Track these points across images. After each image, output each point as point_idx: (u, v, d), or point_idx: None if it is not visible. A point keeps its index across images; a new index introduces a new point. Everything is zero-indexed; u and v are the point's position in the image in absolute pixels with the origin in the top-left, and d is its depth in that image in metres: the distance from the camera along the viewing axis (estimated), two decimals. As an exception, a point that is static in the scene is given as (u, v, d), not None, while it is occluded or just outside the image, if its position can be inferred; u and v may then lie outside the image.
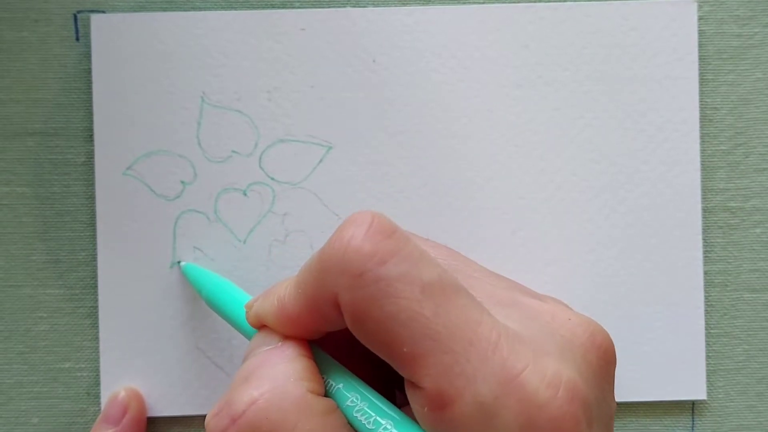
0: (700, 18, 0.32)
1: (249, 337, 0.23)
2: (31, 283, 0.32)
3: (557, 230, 0.32)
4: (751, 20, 0.33)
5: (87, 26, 0.32)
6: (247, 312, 0.23)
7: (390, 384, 0.23)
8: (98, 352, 0.32)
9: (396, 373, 0.20)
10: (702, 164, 0.32)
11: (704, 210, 0.33)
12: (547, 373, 0.18)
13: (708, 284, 0.33)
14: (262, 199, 0.32)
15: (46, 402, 0.32)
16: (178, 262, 0.31)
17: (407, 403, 0.20)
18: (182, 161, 0.32)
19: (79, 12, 0.32)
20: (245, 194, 0.32)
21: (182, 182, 0.32)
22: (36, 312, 0.32)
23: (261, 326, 0.22)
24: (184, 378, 0.32)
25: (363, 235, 0.19)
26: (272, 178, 0.32)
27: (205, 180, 0.32)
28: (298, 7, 0.32)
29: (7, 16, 0.32)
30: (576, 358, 0.20)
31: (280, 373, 0.20)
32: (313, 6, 0.32)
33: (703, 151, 0.33)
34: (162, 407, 0.32)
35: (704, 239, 0.32)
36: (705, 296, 0.32)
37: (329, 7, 0.32)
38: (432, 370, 0.18)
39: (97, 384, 0.32)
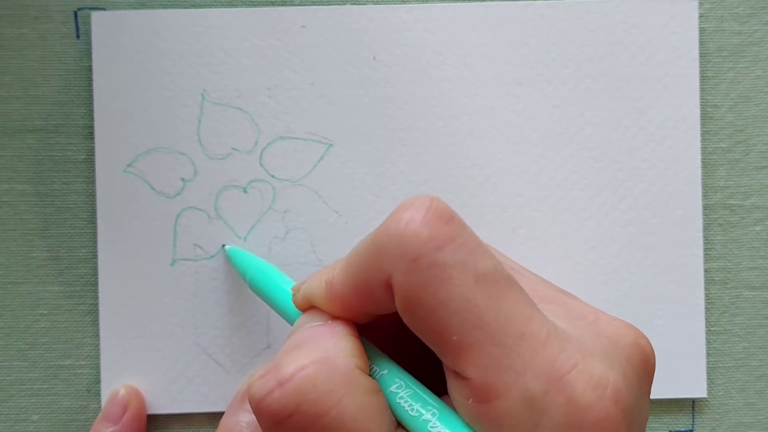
0: (700, 15, 0.32)
1: (293, 321, 0.23)
2: (32, 280, 0.32)
3: (557, 228, 0.32)
4: (751, 18, 0.33)
5: (87, 23, 0.32)
6: (294, 294, 0.23)
7: (427, 380, 0.23)
8: (98, 349, 0.32)
9: (435, 369, 0.20)
10: (702, 162, 0.32)
11: (704, 207, 0.33)
12: (594, 375, 0.18)
13: (708, 282, 0.33)
14: (263, 197, 0.32)
15: (46, 399, 0.32)
16: (223, 246, 0.31)
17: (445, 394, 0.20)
18: (183, 158, 0.32)
19: (79, 9, 0.32)
20: (245, 191, 0.32)
21: (183, 179, 0.32)
22: (36, 309, 0.32)
23: (308, 308, 0.22)
24: (184, 375, 0.32)
25: (421, 219, 0.19)
26: (272, 176, 0.32)
27: (205, 177, 0.32)
28: (299, 5, 0.32)
29: (8, 13, 0.32)
30: (621, 362, 0.19)
31: (330, 345, 0.20)
32: (314, 3, 0.32)
33: (703, 148, 0.33)
34: (162, 404, 0.32)
35: (704, 237, 0.32)
36: (705, 294, 0.32)
37: (329, 5, 0.32)
38: (480, 362, 0.18)
39: (98, 381, 0.32)
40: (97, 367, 0.32)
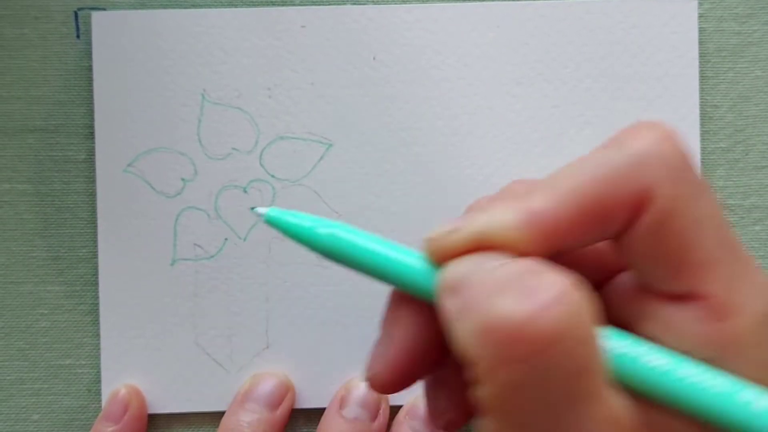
0: (700, 15, 0.32)
1: (421, 287, 0.19)
2: (32, 280, 0.32)
3: (557, 227, 0.32)
4: (751, 18, 0.33)
5: (88, 23, 0.32)
6: (441, 239, 0.19)
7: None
8: (99, 348, 0.32)
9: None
10: (702, 161, 0.32)
11: (704, 207, 0.33)
12: None
13: (707, 281, 0.33)
14: (263, 197, 0.32)
15: (46, 399, 0.32)
16: (252, 208, 0.25)
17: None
18: (183, 158, 0.32)
19: (79, 9, 0.32)
20: (245, 191, 0.32)
21: (183, 179, 0.32)
22: (37, 309, 0.32)
23: (464, 253, 0.18)
24: (184, 375, 0.32)
25: (672, 136, 0.19)
26: (272, 176, 0.32)
27: (205, 177, 0.32)
28: (299, 5, 0.32)
29: (8, 14, 0.32)
30: None
31: (570, 286, 0.16)
32: (314, 3, 0.32)
33: (702, 148, 0.33)
34: (162, 404, 0.32)
35: (704, 237, 0.32)
36: (704, 293, 0.32)
37: (329, 5, 0.32)
38: (722, 279, 0.18)
39: (98, 381, 0.32)
40: (97, 367, 0.32)
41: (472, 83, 0.32)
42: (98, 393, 0.32)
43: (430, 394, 0.21)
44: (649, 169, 0.18)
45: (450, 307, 0.17)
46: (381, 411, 0.31)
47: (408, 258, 0.19)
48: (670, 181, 0.18)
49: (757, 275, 0.18)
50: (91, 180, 0.32)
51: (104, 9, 0.32)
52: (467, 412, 0.20)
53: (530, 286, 0.16)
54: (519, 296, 0.16)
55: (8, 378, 0.32)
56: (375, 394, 0.31)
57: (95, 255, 0.32)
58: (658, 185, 0.18)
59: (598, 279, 0.21)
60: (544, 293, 0.16)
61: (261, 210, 0.21)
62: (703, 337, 0.18)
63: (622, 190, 0.18)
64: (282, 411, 0.31)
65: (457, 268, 0.18)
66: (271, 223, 0.21)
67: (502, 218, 0.18)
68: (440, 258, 0.19)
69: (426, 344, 0.20)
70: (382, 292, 0.32)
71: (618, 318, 0.20)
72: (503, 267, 0.17)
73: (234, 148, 0.32)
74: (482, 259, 0.18)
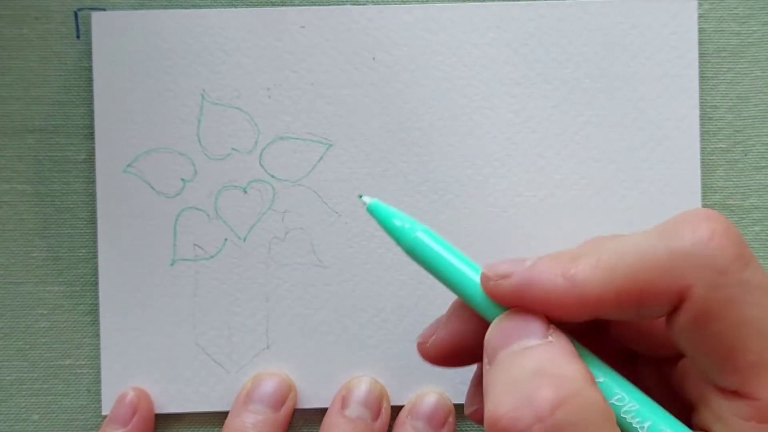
0: (699, 16, 0.32)
1: (478, 306, 0.22)
2: (32, 280, 0.32)
3: (557, 228, 0.32)
4: (751, 18, 0.33)
5: (87, 24, 0.32)
6: (492, 281, 0.21)
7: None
8: (98, 349, 0.32)
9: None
10: (701, 162, 0.32)
11: (703, 207, 0.33)
12: None
13: (707, 282, 0.33)
14: (262, 197, 0.32)
15: (46, 399, 0.32)
16: (360, 196, 0.26)
17: None
18: (183, 159, 0.32)
19: (79, 9, 0.32)
20: (245, 192, 0.32)
21: (182, 180, 0.32)
22: (36, 309, 0.32)
23: (508, 300, 0.21)
24: (184, 375, 0.32)
25: (726, 233, 0.18)
26: (272, 176, 0.32)
27: (205, 177, 0.32)
28: (299, 5, 0.32)
29: (8, 14, 0.32)
30: None
31: (575, 373, 0.19)
32: (314, 3, 0.32)
33: (702, 148, 0.33)
34: (162, 404, 0.32)
35: (703, 237, 0.32)
36: (704, 294, 0.32)
37: (329, 5, 0.32)
38: None
39: (98, 381, 0.32)
40: (97, 367, 0.32)
41: (471, 83, 0.32)
42: (98, 393, 0.32)
43: (471, 385, 0.25)
44: (688, 268, 0.18)
45: (485, 366, 0.21)
46: (383, 410, 0.31)
47: (471, 279, 0.22)
48: (707, 283, 0.18)
49: None
50: (91, 180, 0.32)
51: (104, 9, 0.32)
52: None
53: (527, 395, 0.18)
54: (519, 405, 0.18)
55: (8, 378, 0.32)
56: (376, 394, 0.31)
57: (95, 255, 0.32)
58: (695, 286, 0.18)
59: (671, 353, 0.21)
60: (538, 405, 0.18)
61: (366, 199, 0.25)
62: None
63: (659, 284, 0.19)
64: (285, 411, 0.31)
65: (494, 336, 0.21)
66: (372, 212, 0.25)
67: (548, 279, 0.20)
68: (492, 296, 0.21)
69: (467, 344, 0.23)
70: (383, 292, 0.32)
71: (684, 396, 0.20)
72: (525, 354, 0.19)
73: (234, 149, 0.32)
74: (515, 333, 0.20)
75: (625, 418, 0.19)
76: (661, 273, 0.19)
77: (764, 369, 0.18)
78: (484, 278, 0.21)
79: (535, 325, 0.20)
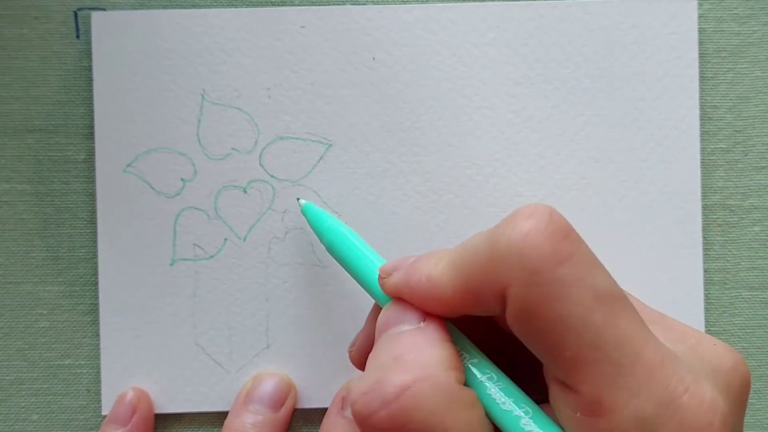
0: (699, 16, 0.32)
1: (377, 299, 0.24)
2: (31, 280, 0.32)
3: (557, 228, 0.32)
4: (751, 18, 0.33)
5: (87, 24, 0.32)
6: (382, 278, 0.23)
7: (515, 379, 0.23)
8: (98, 349, 0.32)
9: (523, 369, 0.20)
10: (701, 162, 0.32)
11: (703, 208, 0.33)
12: (705, 399, 0.18)
13: (707, 282, 0.33)
14: (262, 197, 0.32)
15: (45, 399, 0.32)
16: (298, 199, 0.31)
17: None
18: (182, 159, 0.32)
19: (79, 9, 0.32)
20: (245, 192, 0.32)
21: (182, 179, 0.32)
22: (36, 309, 0.32)
23: (397, 297, 0.22)
24: (184, 375, 0.32)
25: (543, 230, 0.18)
26: (272, 176, 0.32)
27: (205, 177, 0.32)
28: (298, 5, 0.32)
29: (8, 13, 0.32)
30: (723, 387, 0.20)
31: (430, 358, 0.20)
32: (313, 3, 0.32)
33: (702, 149, 0.33)
34: (162, 404, 0.32)
35: (703, 237, 0.33)
36: (704, 294, 0.32)
37: (329, 5, 0.32)
38: (594, 379, 0.18)
39: (97, 381, 0.32)
40: (96, 367, 0.32)
41: (471, 83, 0.32)
42: (98, 393, 0.32)
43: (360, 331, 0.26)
44: (505, 268, 0.19)
45: None
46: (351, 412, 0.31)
47: (371, 274, 0.24)
48: (521, 282, 0.18)
49: (632, 378, 0.18)
50: (91, 180, 0.32)
51: (104, 9, 0.32)
52: None
53: (379, 380, 0.19)
54: (370, 389, 0.19)
55: (7, 378, 0.32)
56: None
57: (95, 255, 0.32)
58: (511, 286, 0.19)
59: None
60: (386, 389, 0.19)
61: (302, 201, 0.30)
62: (577, 426, 0.19)
63: (484, 283, 0.19)
64: (285, 411, 0.31)
65: (379, 320, 0.22)
66: (304, 213, 0.30)
67: (413, 280, 0.21)
68: (383, 291, 0.23)
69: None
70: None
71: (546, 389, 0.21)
72: (395, 338, 0.21)
73: (234, 149, 0.32)
74: (393, 319, 0.22)
75: (489, 395, 0.20)
76: (483, 273, 0.19)
77: (582, 364, 0.18)
78: (379, 275, 0.23)
79: (411, 313, 0.21)
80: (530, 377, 0.21)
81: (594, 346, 0.18)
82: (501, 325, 0.22)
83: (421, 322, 0.21)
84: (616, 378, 0.18)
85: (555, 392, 0.19)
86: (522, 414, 0.19)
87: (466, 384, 0.20)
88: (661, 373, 0.18)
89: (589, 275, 0.18)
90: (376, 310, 0.25)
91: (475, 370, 0.20)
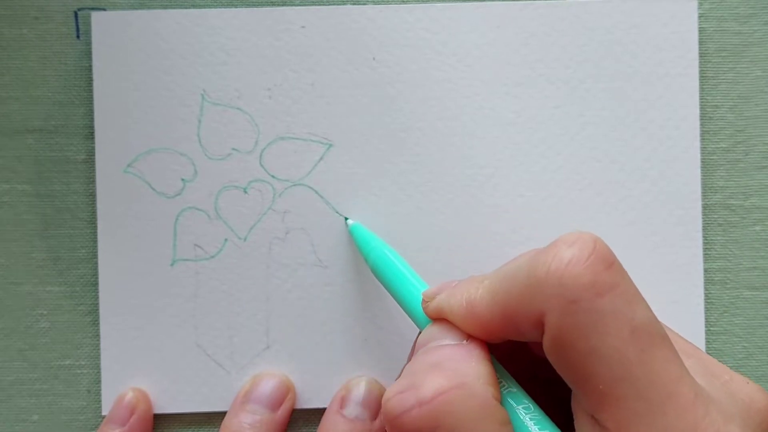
0: (700, 15, 0.32)
1: (419, 323, 0.24)
2: (32, 281, 0.32)
3: (558, 228, 0.32)
4: (751, 18, 0.33)
5: (87, 24, 0.32)
6: (425, 302, 0.23)
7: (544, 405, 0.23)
8: (99, 349, 0.32)
9: (554, 395, 0.20)
10: (702, 162, 0.32)
11: (704, 207, 0.33)
12: None
13: (708, 282, 0.33)
14: (263, 197, 0.32)
15: (46, 399, 0.32)
16: (345, 219, 0.31)
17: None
18: (183, 159, 0.32)
19: (79, 9, 0.32)
20: (246, 192, 0.32)
21: (183, 180, 0.32)
22: (36, 309, 0.32)
23: (439, 319, 0.22)
24: (184, 375, 0.32)
25: (584, 260, 0.18)
26: (273, 176, 0.32)
27: (205, 177, 0.32)
28: (299, 5, 0.32)
29: (8, 13, 0.32)
30: (754, 428, 0.19)
31: (470, 370, 0.20)
32: (314, 3, 0.32)
33: (703, 148, 0.33)
34: (162, 404, 0.32)
35: (704, 237, 0.33)
36: (705, 294, 0.32)
37: (329, 5, 0.32)
38: (622, 415, 0.18)
39: (98, 381, 0.32)
40: (97, 368, 0.32)
41: (472, 83, 0.32)
42: (98, 394, 0.32)
43: None
44: (543, 296, 0.19)
45: None
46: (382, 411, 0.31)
47: (414, 298, 0.25)
48: (559, 311, 0.18)
49: (662, 417, 0.18)
50: (91, 180, 0.32)
51: (104, 9, 0.32)
52: None
53: (415, 382, 0.19)
54: (405, 389, 0.19)
55: (8, 378, 0.32)
56: (375, 394, 0.31)
57: (95, 255, 0.32)
58: (548, 314, 0.18)
59: None
60: (422, 390, 0.19)
61: (350, 222, 0.31)
62: None
63: (522, 310, 0.19)
64: (283, 411, 0.31)
65: (420, 337, 0.22)
66: (351, 233, 0.31)
67: (455, 303, 0.22)
68: (427, 315, 0.23)
69: None
70: (382, 293, 0.32)
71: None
72: (434, 350, 0.21)
73: (234, 149, 0.32)
74: (435, 335, 0.22)
75: (526, 424, 0.20)
76: (521, 300, 0.19)
77: (613, 398, 0.18)
78: (423, 299, 0.23)
79: (454, 332, 0.22)
80: (558, 406, 0.21)
81: (625, 381, 0.18)
82: (536, 351, 0.22)
83: (464, 340, 0.21)
84: (645, 416, 0.18)
85: (582, 424, 0.19)
86: None
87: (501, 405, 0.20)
88: (691, 414, 0.18)
89: (628, 308, 0.18)
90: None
91: (510, 399, 0.20)
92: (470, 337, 0.21)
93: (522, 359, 0.23)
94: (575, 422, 0.19)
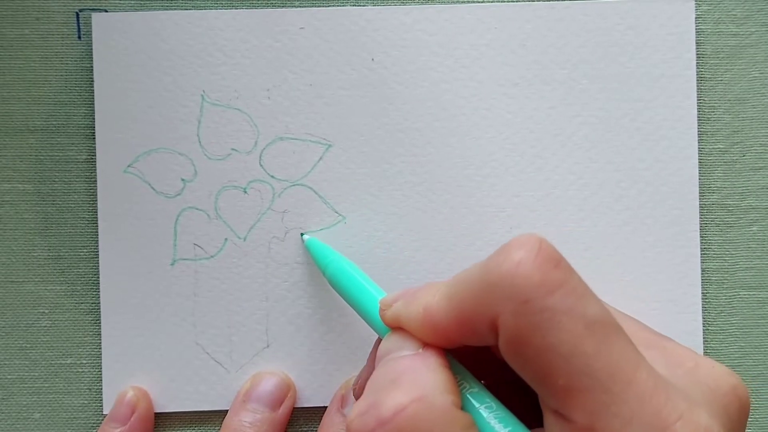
0: (697, 17, 0.33)
1: (378, 331, 0.24)
2: (33, 280, 0.32)
3: (554, 228, 0.32)
4: (748, 19, 0.33)
5: (89, 24, 0.32)
6: (382, 310, 0.23)
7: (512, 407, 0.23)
8: (99, 348, 0.32)
9: (520, 397, 0.20)
10: (699, 162, 0.32)
11: (701, 208, 0.33)
12: (699, 425, 0.18)
13: (705, 282, 0.33)
14: (262, 197, 0.32)
15: (47, 397, 0.32)
16: (302, 234, 0.32)
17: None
18: (183, 159, 0.32)
19: (80, 10, 0.32)
20: (245, 192, 0.32)
21: (183, 180, 0.32)
22: (37, 308, 0.32)
23: (397, 327, 0.23)
24: (184, 374, 0.32)
25: (532, 261, 0.19)
26: (272, 176, 0.32)
27: (205, 177, 0.32)
28: (298, 6, 0.32)
29: (9, 14, 0.32)
30: (720, 412, 0.20)
31: (427, 381, 0.20)
32: (313, 5, 0.32)
33: (700, 149, 0.33)
34: (162, 403, 0.32)
35: (701, 237, 0.33)
36: (702, 294, 0.32)
37: (328, 6, 0.32)
38: (586, 407, 0.18)
39: (99, 380, 0.32)
40: (98, 366, 0.32)
41: (469, 84, 0.32)
42: (99, 392, 0.32)
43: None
44: (495, 298, 0.19)
45: None
46: None
47: (372, 307, 0.25)
48: (512, 312, 0.18)
49: (625, 406, 0.18)
50: (92, 180, 0.32)
51: (105, 10, 0.32)
52: None
53: (375, 401, 0.19)
54: (366, 410, 0.19)
55: (9, 377, 0.32)
56: None
57: (96, 255, 0.32)
58: (502, 315, 0.19)
59: None
60: (382, 409, 0.19)
61: (305, 237, 0.31)
62: None
63: (478, 314, 0.19)
64: (283, 410, 0.31)
65: (380, 349, 0.23)
66: (308, 248, 0.31)
67: (413, 311, 0.22)
68: (384, 323, 0.23)
69: None
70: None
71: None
72: (393, 362, 0.21)
73: (233, 149, 0.32)
74: (393, 346, 0.22)
75: (490, 423, 0.20)
76: (476, 303, 0.20)
77: (575, 392, 0.18)
78: (380, 308, 0.23)
79: (410, 341, 0.22)
80: (529, 407, 0.21)
81: (585, 374, 0.18)
82: (498, 355, 0.23)
83: (420, 349, 0.21)
84: (608, 406, 0.18)
85: (549, 421, 0.19)
86: None
87: (463, 410, 0.20)
88: (653, 400, 0.18)
89: (579, 304, 0.18)
90: (378, 345, 0.25)
91: (473, 399, 0.21)
92: (426, 345, 0.21)
93: (490, 363, 0.23)
94: (544, 420, 0.20)
